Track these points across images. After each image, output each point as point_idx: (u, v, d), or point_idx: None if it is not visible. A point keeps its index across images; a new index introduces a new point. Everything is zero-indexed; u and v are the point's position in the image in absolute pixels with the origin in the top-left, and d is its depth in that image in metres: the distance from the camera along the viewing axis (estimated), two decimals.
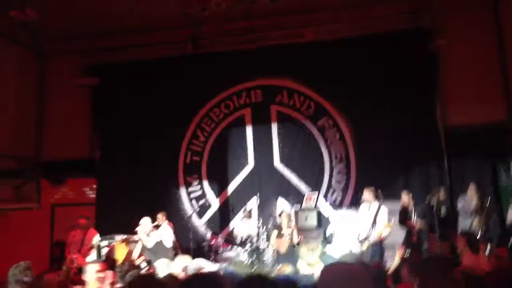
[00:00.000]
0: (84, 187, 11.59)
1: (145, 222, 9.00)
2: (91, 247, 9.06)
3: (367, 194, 8.39)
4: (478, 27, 10.24)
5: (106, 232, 9.70)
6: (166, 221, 9.71)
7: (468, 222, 8.50)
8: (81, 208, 10.80)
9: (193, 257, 9.18)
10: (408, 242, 8.50)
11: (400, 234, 8.66)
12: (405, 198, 8.73)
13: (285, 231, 8.85)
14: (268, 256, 9.17)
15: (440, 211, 8.60)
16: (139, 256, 8.89)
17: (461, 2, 10.18)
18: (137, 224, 9.31)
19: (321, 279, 2.54)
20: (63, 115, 11.50)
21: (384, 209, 8.28)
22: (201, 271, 5.21)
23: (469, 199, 8.70)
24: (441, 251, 8.20)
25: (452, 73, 10.23)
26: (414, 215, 8.30)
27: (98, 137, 11.54)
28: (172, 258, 8.08)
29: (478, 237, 7.38)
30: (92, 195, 11.47)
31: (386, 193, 9.60)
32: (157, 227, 9.55)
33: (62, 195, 11.68)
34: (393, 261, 7.94)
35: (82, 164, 11.30)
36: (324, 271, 2.59)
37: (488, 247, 5.50)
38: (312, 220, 9.74)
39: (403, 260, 6.52)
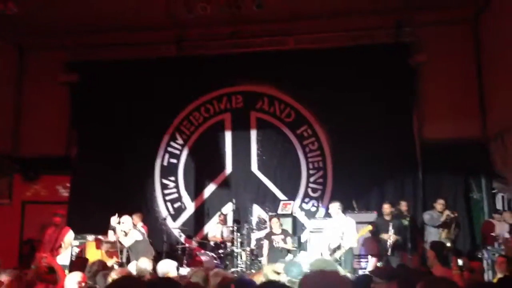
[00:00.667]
0: (57, 185, 11.39)
1: (126, 220, 8.75)
2: (64, 246, 8.88)
3: (332, 209, 8.47)
4: (457, 43, 10.47)
5: (78, 231, 9.54)
6: (141, 223, 9.63)
7: (436, 235, 8.65)
8: (53, 206, 10.59)
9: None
10: (381, 253, 8.60)
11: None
12: (387, 210, 8.80)
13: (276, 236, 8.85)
14: (242, 261, 9.16)
15: (403, 223, 8.71)
16: (112, 257, 8.75)
17: (442, 17, 10.37)
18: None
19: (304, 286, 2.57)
20: (41, 111, 11.34)
21: (351, 220, 8.38)
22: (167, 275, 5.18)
23: (437, 212, 8.87)
24: (412, 264, 8.30)
25: (431, 88, 10.42)
26: (391, 228, 8.37)
27: (75, 134, 11.38)
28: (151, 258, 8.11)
29: (447, 250, 7.48)
30: (65, 193, 11.29)
31: (360, 204, 9.77)
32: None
33: (34, 192, 11.45)
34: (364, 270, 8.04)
35: (58, 161, 11.14)
36: (305, 280, 2.63)
37: (460, 260, 5.56)
38: (287, 227, 9.75)
39: (376, 269, 6.57)
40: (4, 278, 4.52)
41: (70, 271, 8.31)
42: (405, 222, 8.68)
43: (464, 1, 10.23)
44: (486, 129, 10.11)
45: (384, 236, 8.42)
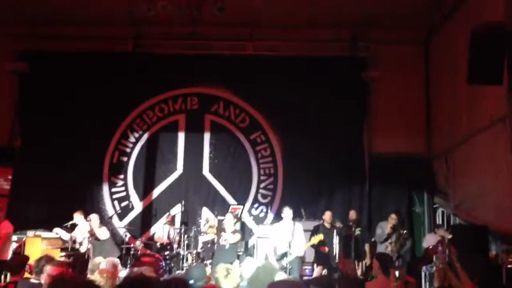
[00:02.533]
0: None
1: (94, 218, 9.06)
2: (2, 241, 8.49)
3: (285, 213, 8.46)
4: (409, 62, 10.95)
5: (18, 226, 9.14)
6: (85, 221, 9.36)
7: (383, 248, 8.91)
8: None
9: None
10: (326, 262, 8.78)
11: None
12: (327, 217, 9.00)
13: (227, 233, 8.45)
14: (188, 263, 9.07)
15: (354, 232, 8.92)
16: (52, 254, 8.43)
17: (396, 36, 10.80)
18: (54, 220, 8.96)
19: None
20: None
21: (299, 226, 8.43)
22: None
23: (387, 225, 9.13)
24: (354, 273, 8.53)
25: (381, 103, 10.83)
26: (335, 235, 8.55)
27: (20, 125, 10.92)
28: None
29: (391, 262, 7.73)
30: (6, 186, 10.78)
31: (308, 211, 9.94)
32: (73, 226, 9.19)
33: None
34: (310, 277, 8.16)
35: (0, 153, 10.66)
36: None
37: (397, 272, 5.76)
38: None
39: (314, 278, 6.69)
40: None
41: (9, 267, 8.03)
42: (357, 231, 8.90)
43: (417, 23, 10.66)
44: (431, 147, 10.58)
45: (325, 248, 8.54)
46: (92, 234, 8.92)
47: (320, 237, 8.39)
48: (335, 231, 8.70)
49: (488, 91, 7.49)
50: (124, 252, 9.49)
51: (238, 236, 8.38)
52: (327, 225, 8.99)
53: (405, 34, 10.84)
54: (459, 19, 9.03)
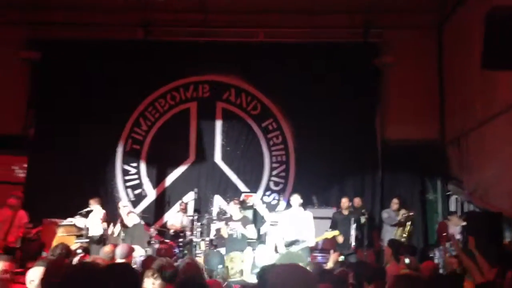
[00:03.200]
0: (13, 165, 10.99)
1: (124, 204, 9.57)
2: (21, 228, 8.64)
3: (294, 200, 8.44)
4: (422, 47, 10.81)
5: (34, 214, 9.29)
6: (99, 208, 9.47)
7: (391, 233, 8.90)
8: (8, 187, 10.29)
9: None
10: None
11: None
12: (345, 204, 8.96)
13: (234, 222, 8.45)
14: (201, 250, 9.15)
15: (360, 220, 8.91)
16: (68, 241, 8.57)
17: (409, 21, 10.65)
18: (68, 208, 9.09)
19: (270, 281, 2.63)
20: None
21: (310, 214, 8.40)
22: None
23: (393, 211, 9.12)
24: (368, 259, 8.52)
25: (394, 90, 10.72)
26: (352, 223, 8.54)
27: (34, 114, 11.01)
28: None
29: (403, 248, 7.72)
30: (21, 174, 10.91)
31: (320, 199, 9.93)
32: (88, 212, 9.31)
33: None
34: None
35: (14, 140, 10.75)
36: (270, 274, 2.69)
37: (407, 259, 5.74)
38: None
39: (337, 263, 6.71)
40: None
41: (24, 254, 8.19)
42: (363, 219, 8.87)
43: (430, 7, 10.53)
44: (444, 133, 10.48)
45: (339, 239, 8.52)
46: (121, 222, 9.20)
47: (335, 233, 8.37)
48: (352, 218, 8.66)
49: (502, 76, 7.40)
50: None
51: (254, 233, 8.46)
52: (344, 212, 8.96)
53: (418, 19, 10.70)
54: (473, 3, 8.87)
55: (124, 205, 9.64)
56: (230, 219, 8.58)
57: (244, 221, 8.39)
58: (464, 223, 7.62)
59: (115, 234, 9.13)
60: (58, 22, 10.97)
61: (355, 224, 8.53)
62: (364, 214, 8.97)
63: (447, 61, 10.50)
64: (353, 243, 8.45)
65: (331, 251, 8.64)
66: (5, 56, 10.95)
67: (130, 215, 9.43)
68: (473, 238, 5.26)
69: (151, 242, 9.14)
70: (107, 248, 5.88)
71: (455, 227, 8.54)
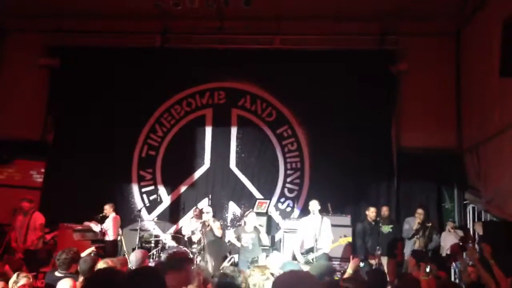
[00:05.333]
0: (31, 170, 11.18)
1: (208, 210, 8.93)
2: (37, 231, 8.76)
3: (312, 206, 8.40)
4: (439, 54, 10.70)
5: (50, 218, 9.43)
6: (114, 213, 9.56)
7: (412, 243, 8.81)
8: (26, 191, 10.46)
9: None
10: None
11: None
12: (373, 214, 8.90)
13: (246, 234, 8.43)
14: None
15: (384, 229, 8.84)
16: (84, 246, 8.65)
17: (426, 28, 10.59)
18: (84, 213, 9.17)
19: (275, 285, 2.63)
20: (19, 93, 11.11)
21: (328, 222, 8.36)
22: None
23: (415, 220, 9.01)
24: (388, 268, 8.45)
25: (410, 97, 10.64)
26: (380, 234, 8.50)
27: (52, 120, 11.18)
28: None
29: (426, 258, 7.64)
30: (39, 179, 11.08)
31: (334, 206, 9.86)
32: (103, 218, 9.40)
33: (7, 176, 11.20)
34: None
35: (33, 146, 10.95)
36: (277, 281, 2.68)
37: (428, 267, 5.71)
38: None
39: (357, 270, 6.65)
40: None
41: (39, 258, 8.30)
42: (387, 228, 8.80)
43: (448, 13, 10.43)
44: (461, 141, 10.35)
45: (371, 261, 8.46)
46: (205, 231, 8.67)
47: (348, 239, 8.32)
48: (380, 227, 8.59)
49: None
50: (153, 244, 9.60)
51: (267, 240, 8.45)
52: (371, 221, 8.86)
53: (436, 26, 10.62)
54: (491, 10, 8.78)
55: (207, 211, 8.93)
56: (242, 229, 8.51)
57: (256, 232, 8.35)
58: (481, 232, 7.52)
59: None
60: (76, 30, 11.17)
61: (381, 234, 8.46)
62: (390, 224, 8.92)
63: (464, 68, 10.39)
64: (379, 252, 8.35)
65: (351, 257, 8.57)
66: (24, 63, 11.20)
67: (216, 223, 8.78)
68: (489, 246, 5.17)
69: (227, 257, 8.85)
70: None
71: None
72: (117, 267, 5.12)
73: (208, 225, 8.67)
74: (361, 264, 8.42)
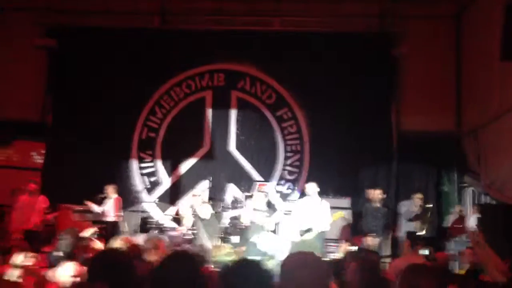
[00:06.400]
0: (31, 151, 11.17)
1: (196, 193, 9.07)
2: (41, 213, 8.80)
3: (310, 188, 8.46)
4: (439, 37, 10.66)
5: (50, 199, 9.46)
6: (116, 195, 9.60)
7: (411, 225, 8.89)
8: (26, 172, 10.47)
9: (139, 232, 9.24)
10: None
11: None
12: (379, 196, 8.93)
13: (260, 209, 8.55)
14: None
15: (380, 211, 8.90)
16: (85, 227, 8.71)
17: (426, 10, 10.53)
18: (85, 194, 9.21)
19: (282, 269, 2.67)
20: (17, 74, 10.94)
21: (327, 204, 8.42)
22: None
23: (413, 204, 9.08)
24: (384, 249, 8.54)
25: (410, 80, 10.62)
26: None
27: (51, 101, 11.13)
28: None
29: (420, 240, 7.73)
30: (39, 160, 11.07)
31: (334, 189, 9.94)
32: (104, 199, 9.44)
33: (7, 157, 11.20)
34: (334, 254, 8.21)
35: (33, 127, 10.87)
36: (285, 261, 2.73)
37: (426, 250, 5.78)
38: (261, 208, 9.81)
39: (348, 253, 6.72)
40: None
41: (41, 240, 8.35)
42: (384, 210, 8.89)
43: None
44: (461, 124, 10.38)
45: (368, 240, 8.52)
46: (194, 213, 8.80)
47: (340, 214, 8.41)
48: (384, 209, 8.65)
49: None
50: (153, 226, 9.66)
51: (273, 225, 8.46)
52: (375, 203, 8.91)
53: (436, 9, 10.57)
54: None
55: (194, 194, 9.18)
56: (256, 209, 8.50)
57: (269, 212, 8.45)
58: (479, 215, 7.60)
59: (186, 225, 8.86)
60: (74, 9, 11.02)
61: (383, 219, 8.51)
62: (389, 206, 9.01)
63: (465, 52, 10.36)
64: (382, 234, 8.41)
65: (343, 241, 8.69)
66: (22, 43, 11.00)
67: (204, 206, 8.88)
68: (482, 233, 5.23)
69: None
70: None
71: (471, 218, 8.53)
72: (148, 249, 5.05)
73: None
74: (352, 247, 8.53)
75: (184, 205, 10.21)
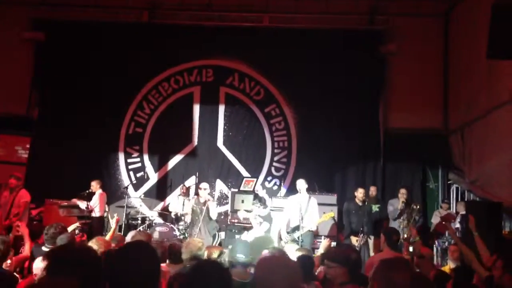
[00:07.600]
0: (16, 145, 11.04)
1: (205, 187, 8.90)
2: (21, 210, 8.68)
3: (300, 185, 8.47)
4: (428, 36, 10.70)
5: (36, 195, 9.36)
6: (100, 190, 9.53)
7: (397, 224, 8.92)
8: (11, 167, 10.34)
9: (126, 229, 9.20)
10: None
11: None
12: (360, 195, 8.94)
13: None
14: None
15: (372, 208, 8.92)
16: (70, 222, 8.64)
17: (415, 9, 10.57)
18: (71, 189, 9.14)
19: (255, 274, 2.68)
20: (3, 67, 10.83)
21: (315, 201, 8.43)
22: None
23: (398, 201, 9.12)
24: (373, 247, 8.56)
25: (398, 78, 10.66)
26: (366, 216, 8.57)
27: (37, 95, 11.02)
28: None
29: (400, 236, 7.74)
30: (24, 154, 10.96)
31: (321, 185, 9.96)
32: (90, 194, 9.36)
33: None
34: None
35: (18, 121, 10.79)
36: (257, 266, 2.74)
37: (411, 247, 5.79)
38: (248, 204, 9.82)
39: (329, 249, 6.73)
40: None
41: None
42: (374, 207, 8.89)
43: None
44: (447, 122, 10.45)
45: (352, 239, 8.53)
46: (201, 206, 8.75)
47: (331, 214, 8.41)
48: (367, 208, 8.67)
49: (508, 67, 7.35)
50: (140, 221, 9.63)
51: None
52: (358, 202, 8.96)
53: (424, 7, 10.60)
54: None
55: (205, 188, 8.85)
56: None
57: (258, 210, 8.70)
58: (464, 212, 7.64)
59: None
60: (63, 3, 10.94)
61: (366, 217, 8.52)
62: (377, 203, 9.01)
63: (452, 50, 10.42)
64: (365, 233, 8.43)
65: (322, 237, 8.69)
66: (9, 36, 10.91)
67: (192, 201, 8.94)
68: (473, 217, 5.24)
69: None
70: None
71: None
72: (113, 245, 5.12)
73: (205, 202, 8.66)
74: (333, 244, 8.54)
75: (173, 201, 10.19)
